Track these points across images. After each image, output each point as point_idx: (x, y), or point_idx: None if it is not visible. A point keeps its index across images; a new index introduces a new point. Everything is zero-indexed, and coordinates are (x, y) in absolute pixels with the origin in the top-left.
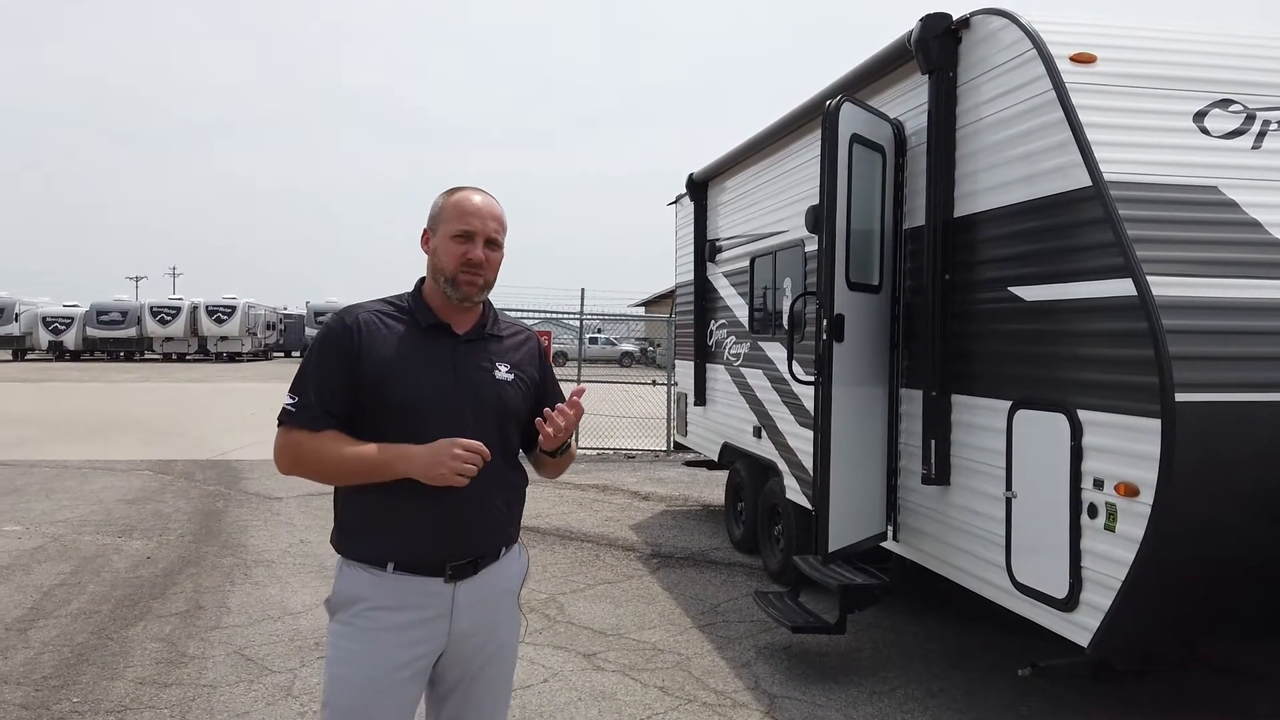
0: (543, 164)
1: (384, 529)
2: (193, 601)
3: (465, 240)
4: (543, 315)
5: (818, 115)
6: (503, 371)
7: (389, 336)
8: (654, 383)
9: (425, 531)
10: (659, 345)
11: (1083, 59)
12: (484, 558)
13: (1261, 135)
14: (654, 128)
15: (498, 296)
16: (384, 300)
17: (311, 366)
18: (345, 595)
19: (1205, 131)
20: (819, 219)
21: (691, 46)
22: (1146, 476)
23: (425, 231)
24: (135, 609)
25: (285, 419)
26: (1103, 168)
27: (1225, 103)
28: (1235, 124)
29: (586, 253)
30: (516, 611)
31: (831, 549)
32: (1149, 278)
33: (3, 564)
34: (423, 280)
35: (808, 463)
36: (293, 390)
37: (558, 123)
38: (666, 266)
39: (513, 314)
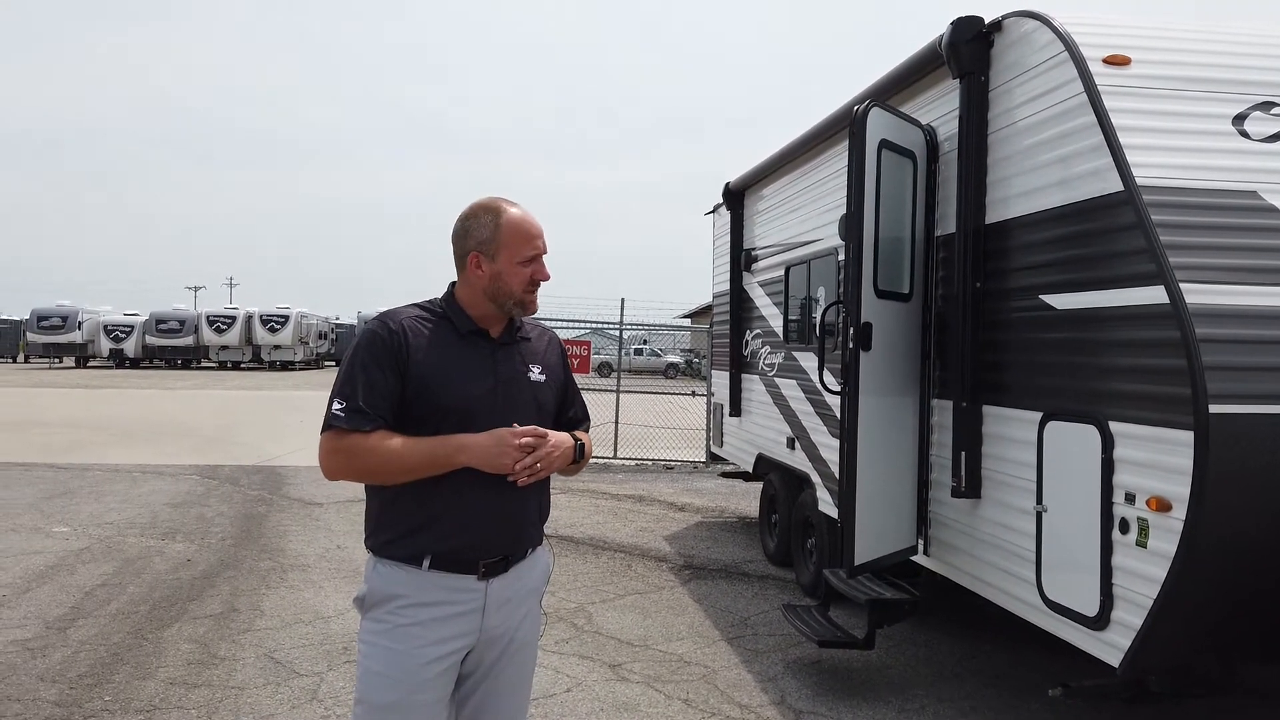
0: (591, 174)
1: (421, 527)
2: (228, 604)
3: (533, 262)
4: (584, 325)
5: (848, 123)
6: (536, 373)
7: (433, 341)
8: (693, 393)
9: (461, 529)
10: (703, 357)
11: (1116, 61)
12: (514, 555)
13: None
14: (709, 135)
15: (541, 307)
16: (416, 306)
17: (358, 370)
18: (380, 593)
19: (1245, 135)
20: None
21: (735, 53)
22: (1179, 491)
23: (474, 255)
24: (172, 610)
25: (334, 423)
26: (1136, 172)
27: (1267, 105)
28: (1277, 127)
29: (637, 263)
30: (539, 611)
31: (858, 562)
32: (1182, 285)
33: (49, 564)
34: (454, 285)
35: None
36: (339, 396)
37: (607, 132)
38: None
39: (553, 324)
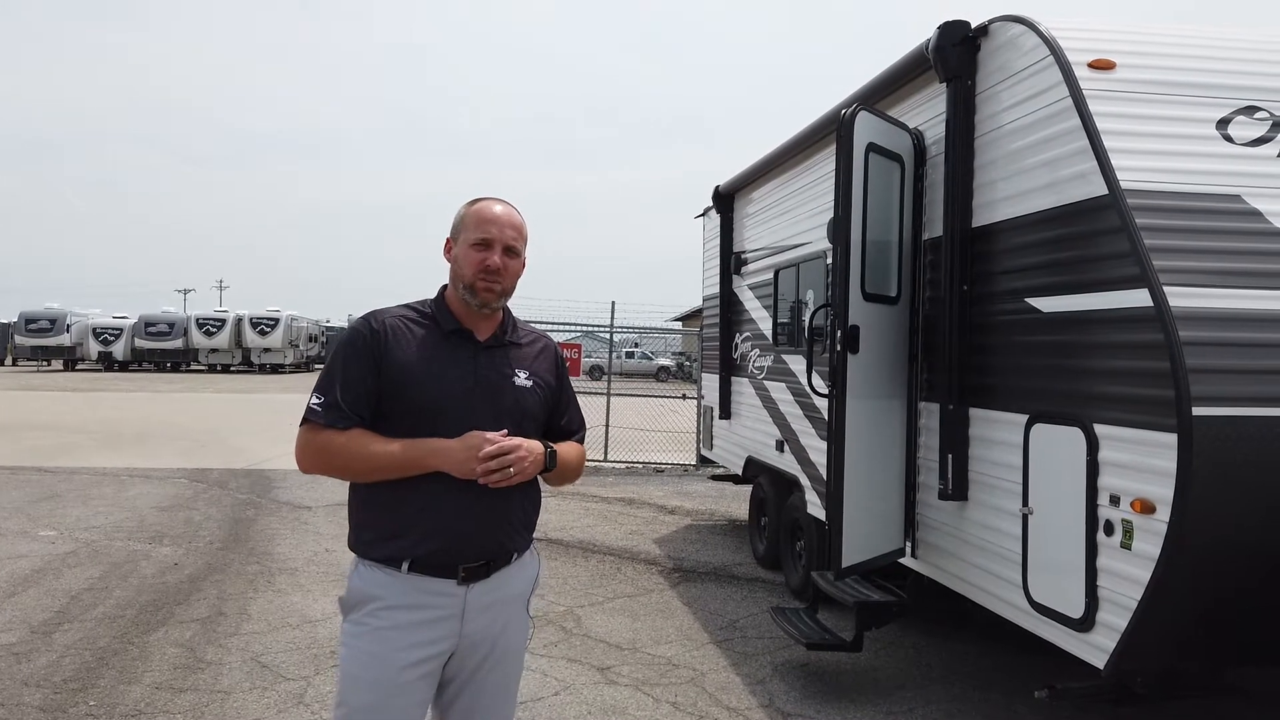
0: (588, 177)
1: (400, 529)
2: (215, 608)
3: (484, 248)
4: (576, 328)
5: (836, 126)
6: (522, 378)
7: (412, 340)
8: (684, 396)
9: (440, 532)
10: (695, 360)
11: (1101, 65)
12: (496, 561)
13: None
14: (704, 138)
15: (532, 310)
16: (407, 305)
17: (338, 367)
18: (359, 594)
19: (1228, 139)
20: (834, 229)
21: (734, 55)
22: (1163, 493)
23: (448, 240)
24: (158, 614)
25: (311, 417)
26: (1120, 175)
27: (1250, 110)
28: (1260, 131)
29: (631, 265)
30: (525, 618)
31: (845, 564)
32: (1166, 288)
33: (35, 568)
34: (445, 287)
35: None
36: (318, 390)
37: (603, 133)
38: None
39: (543, 326)
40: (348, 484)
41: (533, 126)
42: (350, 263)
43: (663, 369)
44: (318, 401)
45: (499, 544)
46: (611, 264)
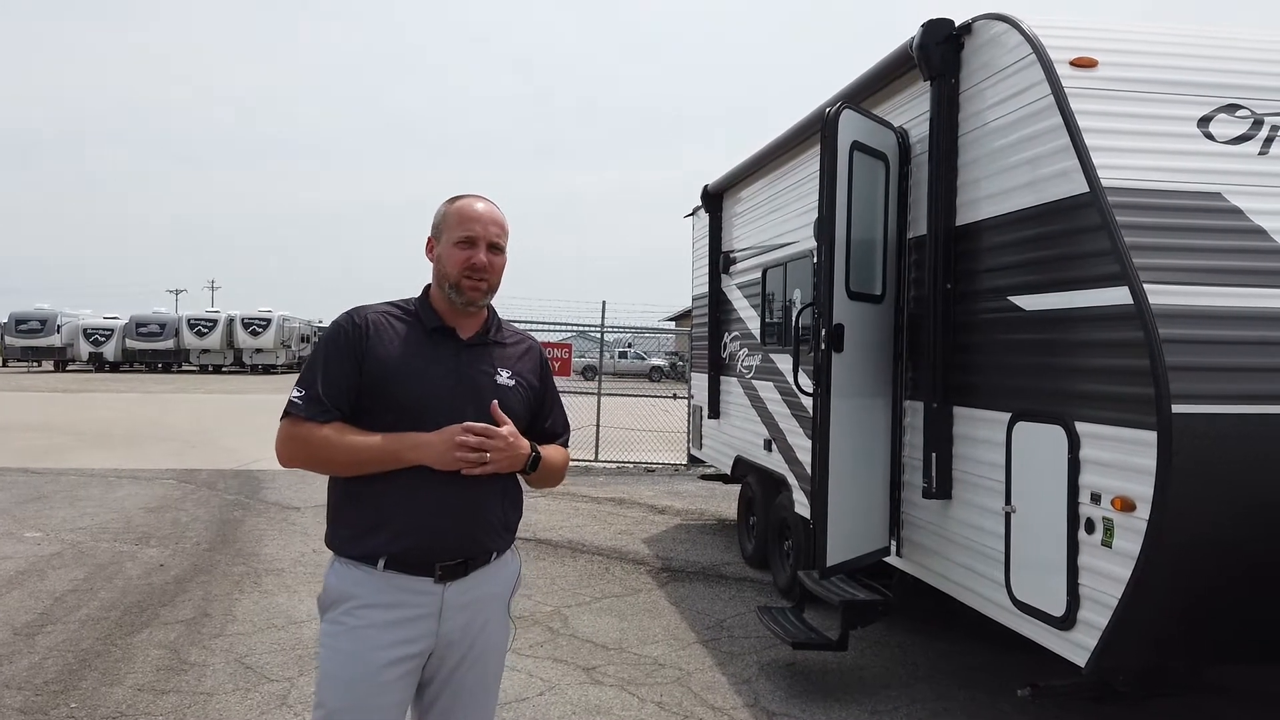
0: (582, 177)
1: (376, 526)
2: (200, 609)
3: (468, 246)
4: (568, 328)
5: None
6: (504, 376)
7: (395, 337)
8: (674, 396)
9: (416, 529)
10: (687, 360)
11: (1083, 63)
12: (474, 559)
13: (1269, 141)
14: (700, 138)
15: (524, 310)
16: (390, 303)
17: (320, 361)
18: (336, 592)
19: (1210, 137)
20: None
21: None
22: (1143, 491)
23: (430, 239)
24: (143, 616)
25: (292, 410)
26: (1100, 174)
27: (1231, 108)
28: (1241, 129)
29: (627, 265)
30: (505, 618)
31: (830, 564)
32: (1146, 286)
33: (20, 569)
34: (429, 286)
35: None
36: (300, 384)
37: (596, 134)
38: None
39: (535, 326)
40: (316, 471)
41: (532, 127)
42: (346, 263)
43: (655, 369)
44: (299, 395)
45: (477, 542)
46: (609, 264)
